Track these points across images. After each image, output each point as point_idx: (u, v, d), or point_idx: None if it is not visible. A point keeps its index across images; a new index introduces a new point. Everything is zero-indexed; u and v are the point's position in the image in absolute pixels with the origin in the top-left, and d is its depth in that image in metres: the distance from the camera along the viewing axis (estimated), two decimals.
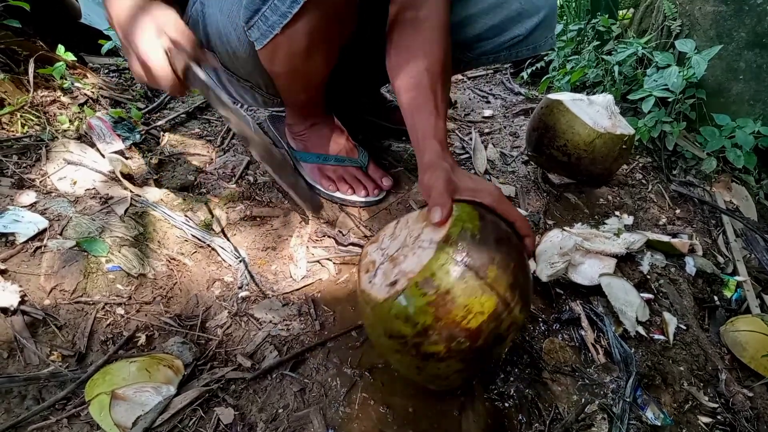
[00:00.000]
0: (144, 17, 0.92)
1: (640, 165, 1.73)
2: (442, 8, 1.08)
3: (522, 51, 1.32)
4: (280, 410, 0.92)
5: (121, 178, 1.26)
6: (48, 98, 1.48)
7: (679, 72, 1.62)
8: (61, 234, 1.11)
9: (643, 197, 1.60)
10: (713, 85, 1.70)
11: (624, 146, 1.46)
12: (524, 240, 0.91)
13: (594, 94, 1.69)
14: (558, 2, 2.46)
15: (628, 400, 1.05)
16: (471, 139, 1.77)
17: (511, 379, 1.06)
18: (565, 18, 2.41)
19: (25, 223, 1.11)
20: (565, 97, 1.48)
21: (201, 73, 0.96)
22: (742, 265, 1.45)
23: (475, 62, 1.39)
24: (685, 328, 1.23)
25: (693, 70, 1.58)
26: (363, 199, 1.40)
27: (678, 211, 1.60)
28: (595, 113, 1.45)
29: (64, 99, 1.52)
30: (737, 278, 1.41)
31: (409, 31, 1.07)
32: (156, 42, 0.91)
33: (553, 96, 1.49)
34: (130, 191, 1.24)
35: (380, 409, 0.94)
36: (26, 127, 1.37)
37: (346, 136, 1.43)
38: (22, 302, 0.98)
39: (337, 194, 1.40)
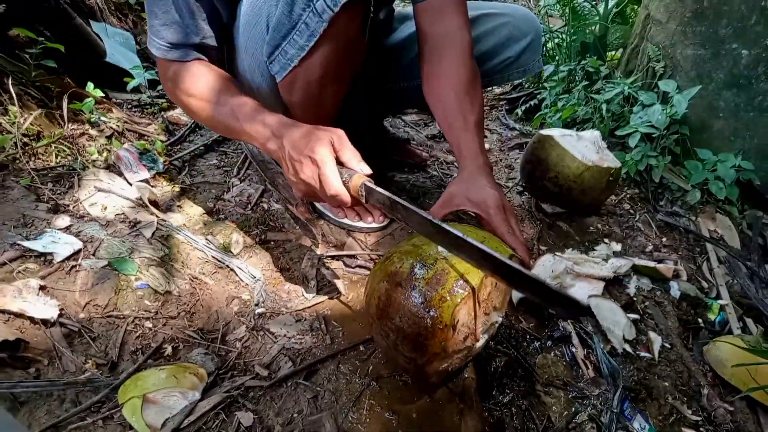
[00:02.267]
0: (318, 133, 0.94)
1: (628, 196, 1.84)
2: (465, 30, 1.24)
3: (513, 74, 1.46)
4: (295, 415, 1.01)
5: (148, 204, 1.38)
6: (78, 131, 1.61)
7: (663, 110, 1.75)
8: (94, 254, 1.21)
9: (630, 226, 1.71)
10: (696, 121, 1.83)
11: (611, 178, 1.57)
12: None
13: (583, 130, 1.81)
14: (550, 44, 2.62)
15: (615, 411, 1.13)
16: None
17: (507, 390, 1.15)
18: (557, 59, 2.56)
19: (61, 244, 1.21)
20: (556, 132, 1.59)
21: (378, 188, 0.91)
22: (725, 289, 1.54)
23: None
24: (669, 346, 1.31)
25: (675, 108, 1.71)
26: (369, 226, 1.51)
27: (664, 239, 1.69)
28: (583, 147, 1.57)
29: (93, 132, 1.64)
30: (720, 302, 1.49)
31: (435, 59, 1.24)
32: (332, 159, 0.93)
33: (544, 131, 1.61)
34: (156, 216, 1.35)
35: (387, 414, 1.03)
36: (59, 157, 1.49)
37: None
38: (60, 315, 1.08)
39: (345, 220, 1.51)
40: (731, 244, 1.72)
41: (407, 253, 0.95)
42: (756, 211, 1.81)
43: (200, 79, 1.14)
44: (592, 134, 1.61)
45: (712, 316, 1.47)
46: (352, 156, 0.94)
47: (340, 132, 0.96)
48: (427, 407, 1.05)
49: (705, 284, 1.57)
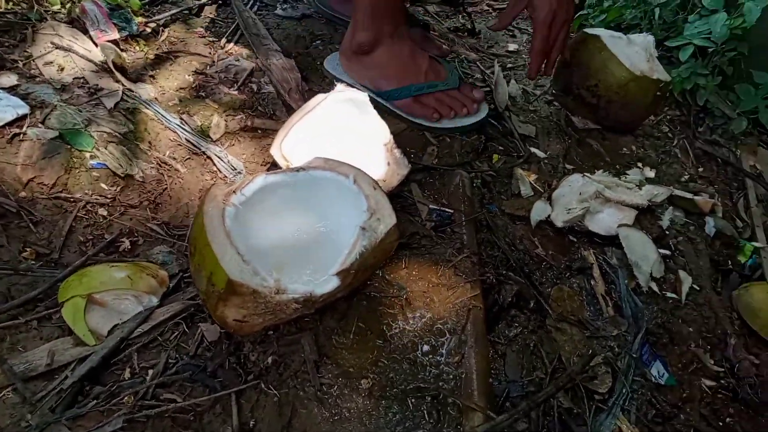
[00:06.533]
0: None
1: (668, 117, 1.64)
2: None
3: None
4: (270, 333, 0.86)
5: (114, 70, 1.15)
6: None
7: (727, 20, 1.50)
8: (43, 123, 1.01)
9: (667, 151, 1.52)
10: (759, 38, 1.57)
11: (658, 93, 1.36)
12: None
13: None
14: None
15: (634, 355, 1.00)
16: (493, 72, 1.66)
17: (515, 324, 1.01)
18: None
19: (3, 106, 1.01)
20: (604, 32, 1.36)
21: None
22: (761, 231, 1.38)
23: None
24: (698, 288, 1.18)
25: (744, 17, 1.45)
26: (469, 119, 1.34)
27: (701, 169, 1.52)
28: (633, 54, 1.34)
29: None
30: (755, 244, 1.34)
31: None
32: None
33: (590, 30, 1.38)
34: (123, 85, 1.14)
35: (377, 340, 0.89)
36: (11, 3, 1.24)
37: (428, 56, 1.32)
38: None
39: (445, 122, 1.31)
40: None
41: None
42: None
43: None
44: (645, 39, 1.38)
45: (742, 259, 1.33)
46: None
47: None
48: (423, 336, 0.91)
49: (739, 223, 1.41)
